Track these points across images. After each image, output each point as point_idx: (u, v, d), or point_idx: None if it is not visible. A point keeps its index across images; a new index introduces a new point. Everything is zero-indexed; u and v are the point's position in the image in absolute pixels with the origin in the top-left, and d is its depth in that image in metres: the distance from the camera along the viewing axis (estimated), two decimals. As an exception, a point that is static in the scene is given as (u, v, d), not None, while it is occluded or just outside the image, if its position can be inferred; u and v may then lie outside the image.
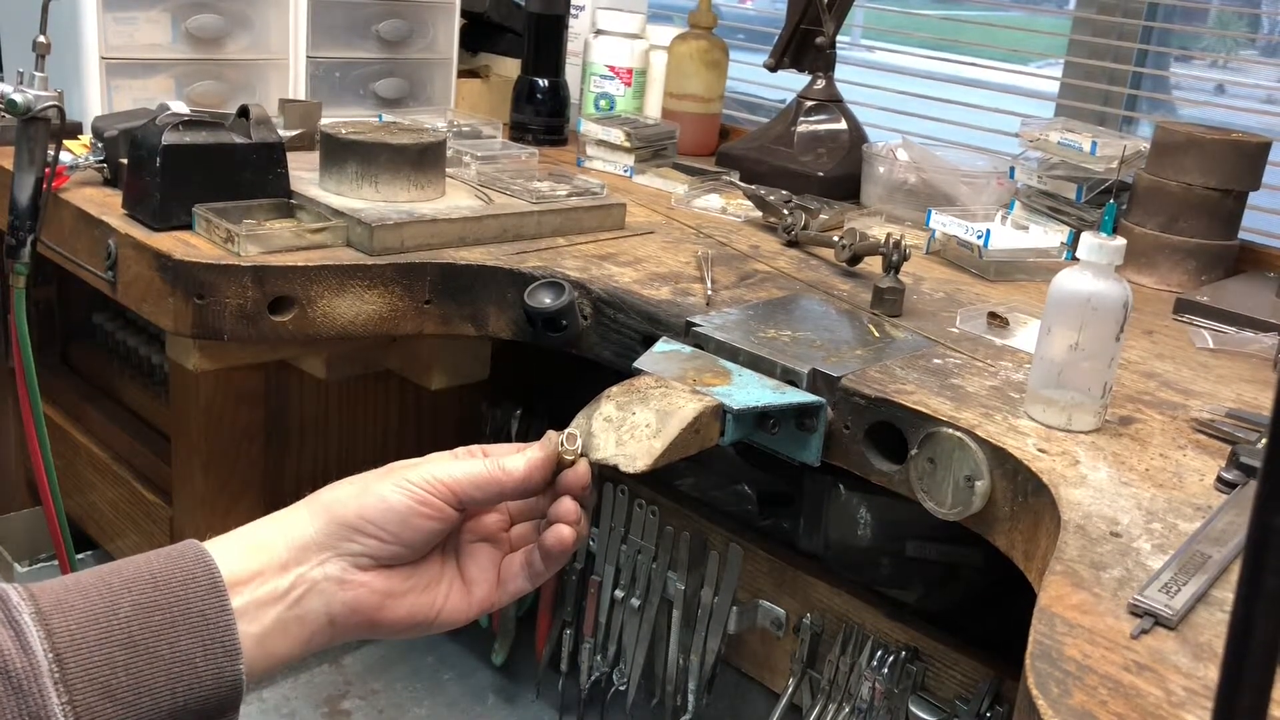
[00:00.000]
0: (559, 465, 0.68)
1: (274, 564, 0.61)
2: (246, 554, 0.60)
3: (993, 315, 1.10)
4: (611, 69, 1.82)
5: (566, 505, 0.67)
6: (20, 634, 0.53)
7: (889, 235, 1.14)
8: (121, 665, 0.54)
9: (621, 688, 1.49)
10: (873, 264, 1.22)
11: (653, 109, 1.87)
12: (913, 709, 1.19)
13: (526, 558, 0.69)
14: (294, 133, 1.44)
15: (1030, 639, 0.63)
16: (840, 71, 1.69)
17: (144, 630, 0.55)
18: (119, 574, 0.57)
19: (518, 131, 1.77)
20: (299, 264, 1.09)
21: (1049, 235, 1.36)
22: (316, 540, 0.62)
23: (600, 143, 1.63)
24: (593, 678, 1.52)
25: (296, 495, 0.65)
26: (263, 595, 0.60)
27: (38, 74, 1.14)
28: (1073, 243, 1.34)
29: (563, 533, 0.67)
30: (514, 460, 0.66)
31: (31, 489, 1.85)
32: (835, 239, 1.26)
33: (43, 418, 1.19)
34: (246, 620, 0.59)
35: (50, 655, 0.53)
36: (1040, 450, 0.85)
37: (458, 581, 0.68)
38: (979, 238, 1.28)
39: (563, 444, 0.68)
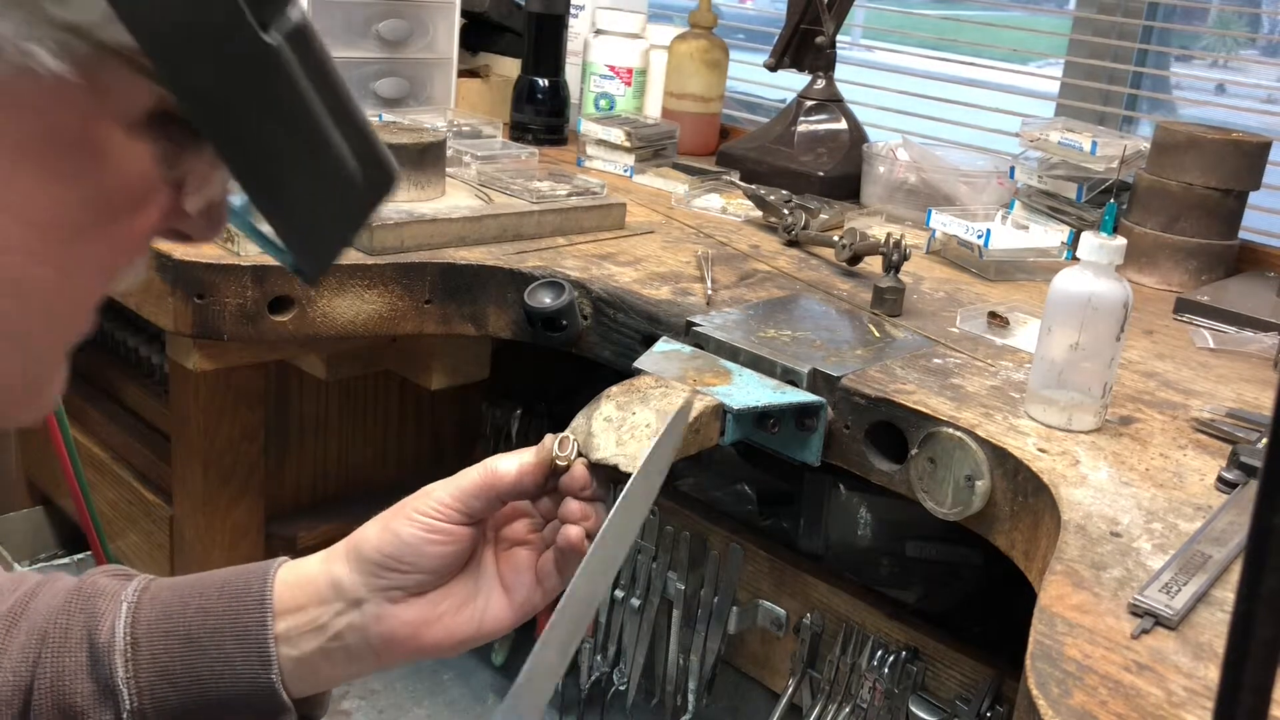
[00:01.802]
0: (555, 469, 0.68)
1: (315, 599, 0.66)
2: (294, 587, 0.67)
3: (993, 315, 1.10)
4: (611, 69, 1.82)
5: (570, 506, 0.68)
6: (117, 613, 0.64)
7: (889, 235, 1.14)
8: (179, 655, 0.64)
9: (621, 688, 1.49)
10: (873, 264, 1.22)
11: (653, 109, 1.87)
12: (913, 709, 1.19)
13: (556, 555, 0.71)
14: (294, 133, 1.44)
15: (1030, 639, 0.63)
16: (840, 71, 1.69)
17: (200, 629, 0.64)
18: (205, 579, 0.67)
19: (518, 131, 1.77)
20: (299, 264, 1.08)
21: (1049, 235, 1.36)
22: (351, 579, 0.66)
23: (600, 142, 1.63)
24: (593, 678, 1.52)
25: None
26: (304, 624, 0.66)
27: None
28: (1073, 242, 1.34)
29: (569, 532, 0.68)
30: (506, 464, 0.67)
31: (32, 489, 1.85)
32: (835, 239, 1.26)
33: (64, 413, 1.19)
34: (289, 644, 0.65)
35: (128, 637, 0.64)
36: (1040, 450, 0.85)
37: (497, 591, 0.70)
38: (979, 237, 1.28)
39: (555, 450, 0.68)
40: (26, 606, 0.66)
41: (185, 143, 0.41)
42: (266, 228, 0.46)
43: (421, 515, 0.66)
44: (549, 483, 0.68)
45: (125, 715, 0.63)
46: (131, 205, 0.41)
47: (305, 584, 0.67)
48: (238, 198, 0.47)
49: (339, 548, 0.68)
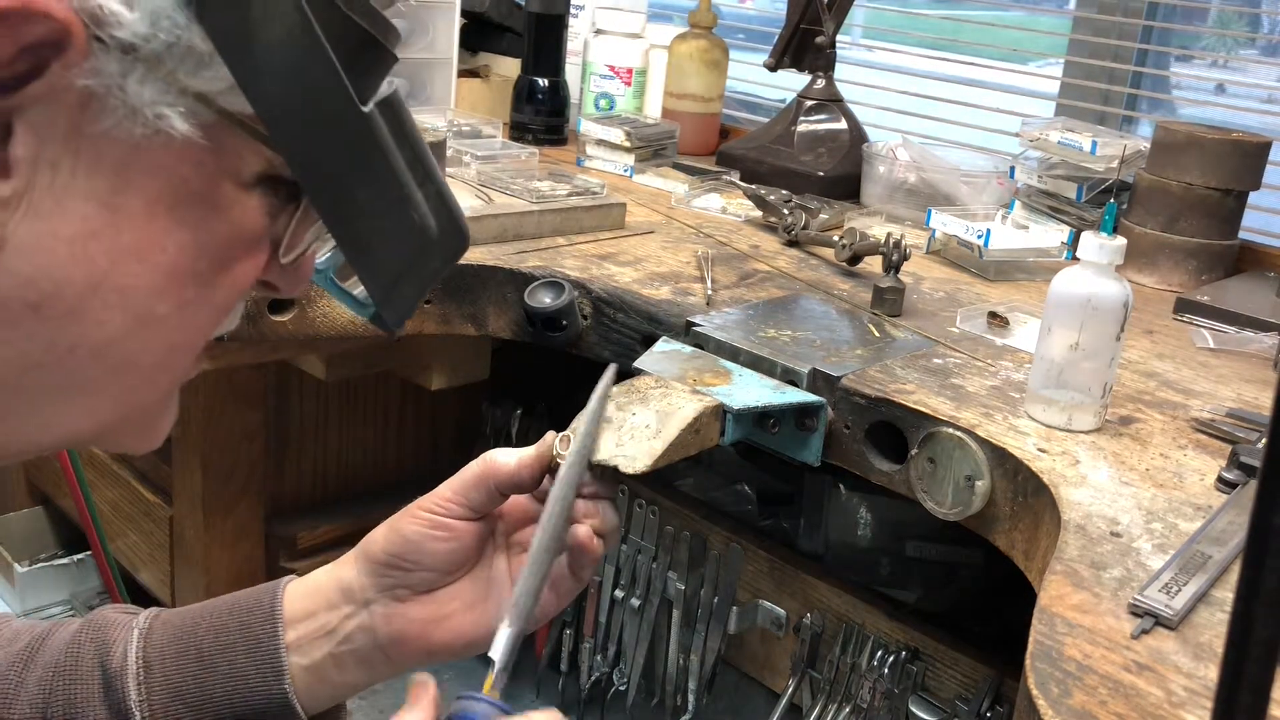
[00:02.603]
0: (556, 468, 0.68)
1: (323, 606, 0.68)
2: (302, 596, 0.68)
3: (993, 315, 1.10)
4: (611, 68, 1.82)
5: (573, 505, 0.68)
6: (128, 639, 0.66)
7: (889, 235, 1.14)
8: (191, 675, 0.65)
9: (621, 688, 1.49)
10: (873, 264, 1.22)
11: (653, 109, 1.87)
12: (913, 709, 1.19)
13: (569, 556, 0.71)
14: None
15: (1030, 639, 0.63)
16: (840, 71, 1.69)
17: (213, 647, 0.66)
18: (216, 601, 0.68)
19: (518, 131, 1.77)
20: (299, 264, 1.08)
21: (1049, 235, 1.36)
22: (359, 582, 0.68)
23: (600, 142, 1.63)
24: (593, 678, 1.52)
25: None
26: (313, 632, 0.67)
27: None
28: (1073, 242, 1.34)
29: (576, 531, 0.68)
30: (504, 456, 0.68)
31: (32, 489, 1.85)
32: (835, 239, 1.26)
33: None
34: (300, 653, 0.66)
35: (140, 661, 0.65)
36: (1040, 450, 0.85)
37: (509, 594, 0.70)
38: (979, 237, 1.28)
39: (557, 448, 0.68)
40: (43, 643, 0.67)
41: (284, 202, 0.46)
42: (346, 283, 0.53)
43: (424, 512, 0.67)
44: (550, 480, 0.68)
45: None
46: (240, 254, 0.46)
47: (313, 593, 0.68)
48: (322, 255, 0.52)
49: (348, 555, 0.69)
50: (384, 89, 0.44)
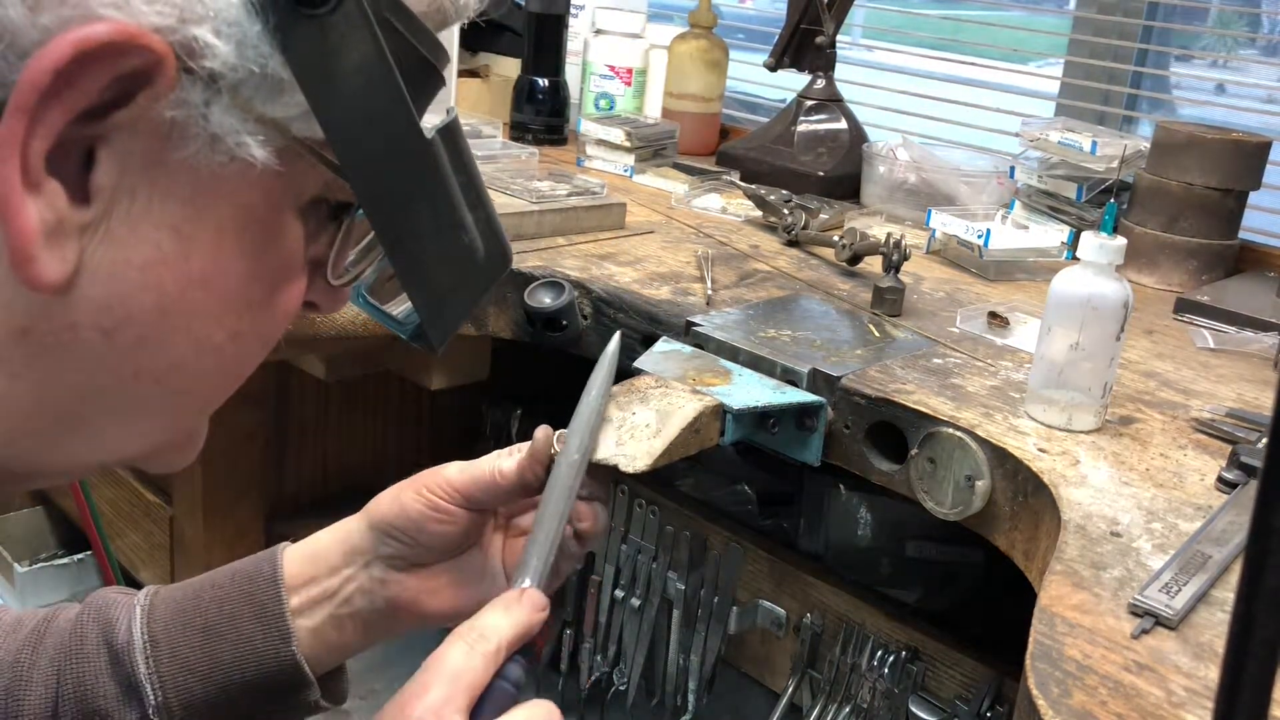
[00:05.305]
0: (554, 463, 0.68)
1: (326, 568, 0.69)
2: (304, 560, 0.69)
3: (993, 315, 1.10)
4: (611, 68, 1.82)
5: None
6: (132, 615, 0.67)
7: (889, 235, 1.14)
8: (199, 645, 0.66)
9: (621, 688, 1.49)
10: (873, 264, 1.22)
11: (653, 109, 1.87)
12: (913, 709, 1.19)
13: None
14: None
15: (1030, 639, 0.63)
16: (840, 71, 1.69)
17: (218, 616, 0.67)
18: (215, 573, 0.70)
19: (518, 131, 1.77)
20: (299, 264, 1.08)
21: (1049, 235, 1.36)
22: (362, 544, 0.69)
23: (600, 142, 1.63)
24: (593, 678, 1.52)
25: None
26: (315, 595, 0.69)
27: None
28: (1073, 242, 1.34)
29: (566, 531, 0.69)
30: (508, 462, 0.68)
31: (32, 489, 1.85)
32: (835, 239, 1.26)
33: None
34: (304, 616, 0.68)
35: (145, 635, 0.66)
36: (1040, 450, 0.85)
37: (502, 576, 0.72)
38: (979, 237, 1.28)
39: (556, 448, 0.68)
40: (50, 624, 0.68)
41: (323, 224, 0.47)
42: (381, 301, 0.55)
43: (429, 493, 0.68)
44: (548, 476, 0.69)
45: (151, 712, 0.65)
46: (287, 280, 0.46)
47: (313, 557, 0.69)
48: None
49: (355, 516, 0.71)
50: (445, 117, 0.45)
